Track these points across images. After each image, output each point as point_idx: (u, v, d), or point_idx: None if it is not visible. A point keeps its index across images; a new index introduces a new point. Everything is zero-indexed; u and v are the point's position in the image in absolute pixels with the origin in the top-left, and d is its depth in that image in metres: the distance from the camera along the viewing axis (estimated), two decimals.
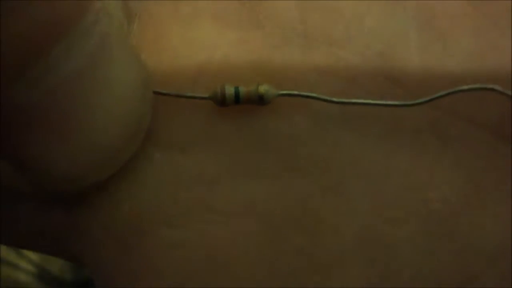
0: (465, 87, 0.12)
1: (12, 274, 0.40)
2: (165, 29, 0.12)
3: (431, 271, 0.12)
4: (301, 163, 0.12)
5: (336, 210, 0.12)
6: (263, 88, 0.12)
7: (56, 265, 0.40)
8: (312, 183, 0.12)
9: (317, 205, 0.12)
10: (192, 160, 0.12)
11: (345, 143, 0.12)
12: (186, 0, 0.13)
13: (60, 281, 0.40)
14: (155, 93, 0.11)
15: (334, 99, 0.12)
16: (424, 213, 0.12)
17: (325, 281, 0.12)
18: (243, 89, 0.12)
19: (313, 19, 0.13)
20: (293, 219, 0.12)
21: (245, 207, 0.12)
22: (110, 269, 0.12)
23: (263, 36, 0.13)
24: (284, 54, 0.12)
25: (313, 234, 0.12)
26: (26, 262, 0.40)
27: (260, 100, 0.12)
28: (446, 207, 0.12)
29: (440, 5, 0.13)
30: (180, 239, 0.12)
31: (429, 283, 0.12)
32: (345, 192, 0.12)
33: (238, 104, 0.12)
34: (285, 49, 0.12)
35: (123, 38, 0.10)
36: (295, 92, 0.12)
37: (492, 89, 0.12)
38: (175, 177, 0.12)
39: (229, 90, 0.12)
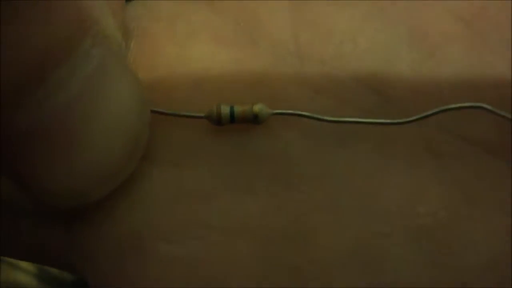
0: (453, 105, 0.12)
1: (12, 274, 0.40)
2: (161, 47, 0.13)
3: (420, 283, 0.13)
4: (295, 180, 0.13)
5: (329, 226, 0.13)
6: (257, 108, 0.12)
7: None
8: (306, 200, 0.13)
9: (310, 221, 0.13)
10: (188, 177, 0.12)
11: (337, 160, 0.13)
12: (182, 20, 0.13)
13: (60, 281, 0.40)
14: (153, 111, 0.12)
15: (327, 118, 0.12)
16: (414, 227, 0.13)
17: None
18: (238, 109, 0.12)
19: (306, 38, 0.13)
20: (287, 235, 0.12)
21: (240, 223, 0.12)
22: (109, 284, 0.12)
23: (257, 55, 0.13)
24: (277, 73, 0.13)
25: (305, 249, 0.12)
26: (25, 262, 0.40)
27: (255, 119, 0.12)
28: (436, 220, 0.13)
29: (432, 24, 0.13)
30: (177, 255, 0.12)
31: None
32: (337, 207, 0.13)
33: (233, 123, 0.12)
34: (278, 68, 0.13)
35: (121, 59, 0.11)
36: (289, 111, 0.12)
37: (481, 107, 0.12)
38: (172, 194, 0.12)
39: (225, 109, 0.12)
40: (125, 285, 0.12)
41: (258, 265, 0.12)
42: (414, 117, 0.12)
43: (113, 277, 0.12)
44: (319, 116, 0.12)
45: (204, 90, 0.13)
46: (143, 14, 0.13)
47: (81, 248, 0.12)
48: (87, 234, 0.12)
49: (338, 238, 0.13)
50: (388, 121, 0.12)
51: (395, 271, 0.13)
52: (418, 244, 0.13)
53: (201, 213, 0.12)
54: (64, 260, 0.12)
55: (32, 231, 0.12)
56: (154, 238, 0.12)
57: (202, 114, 0.12)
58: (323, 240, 0.13)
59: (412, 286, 0.12)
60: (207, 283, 0.12)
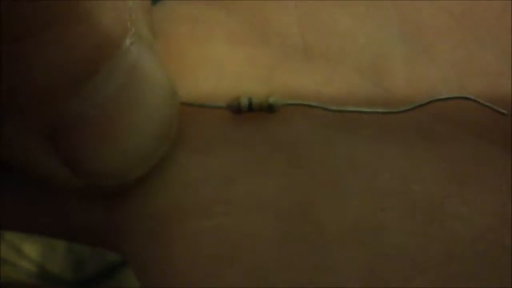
0: (444, 96, 0.14)
1: (12, 274, 0.40)
2: (185, 49, 0.14)
3: (415, 251, 0.14)
4: (304, 162, 0.14)
5: (333, 202, 0.14)
6: (272, 99, 0.14)
7: (56, 265, 0.41)
8: (314, 179, 0.14)
9: (318, 198, 0.14)
10: (212, 161, 0.14)
11: (341, 145, 0.14)
12: (201, 22, 0.15)
13: (60, 281, 0.41)
14: (181, 103, 0.13)
15: (332, 107, 0.14)
16: (409, 203, 0.14)
17: (325, 259, 0.14)
18: (255, 100, 0.14)
19: (312, 36, 0.15)
20: (297, 210, 0.14)
21: (257, 201, 0.14)
22: (143, 256, 0.14)
23: (269, 52, 0.14)
24: (287, 67, 0.14)
25: (315, 222, 0.14)
26: (26, 262, 0.40)
27: (270, 109, 0.14)
28: (429, 197, 0.14)
29: (425, 20, 0.15)
30: (205, 228, 0.14)
31: (414, 260, 0.14)
32: (341, 186, 0.14)
33: (251, 112, 0.14)
34: (288, 63, 0.14)
35: (154, 55, 0.12)
36: (299, 102, 0.14)
37: (467, 98, 0.14)
38: (198, 176, 0.14)
39: (244, 100, 0.14)
40: (156, 255, 0.13)
41: (273, 235, 0.14)
42: (407, 107, 0.14)
43: (147, 249, 0.13)
44: (325, 106, 0.14)
45: (224, 84, 0.14)
46: (165, 16, 0.15)
47: (119, 226, 0.14)
48: (125, 211, 0.13)
49: (341, 212, 0.14)
50: (386, 110, 0.14)
51: (391, 242, 0.14)
52: (413, 219, 0.14)
53: (223, 192, 0.14)
54: (104, 236, 0.14)
55: (78, 211, 0.14)
56: (183, 214, 0.13)
57: (223, 105, 0.14)
58: (328, 214, 0.14)
59: (408, 251, 0.14)
60: (231, 252, 0.14)
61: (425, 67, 0.15)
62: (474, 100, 0.14)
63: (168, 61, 0.14)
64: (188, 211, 0.14)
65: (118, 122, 0.11)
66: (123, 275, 0.39)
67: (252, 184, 0.14)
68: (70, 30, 0.10)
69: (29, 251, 0.40)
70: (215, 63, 0.14)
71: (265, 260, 0.14)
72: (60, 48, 0.10)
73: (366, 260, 0.14)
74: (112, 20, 0.10)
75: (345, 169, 0.14)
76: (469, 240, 0.14)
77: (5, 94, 0.10)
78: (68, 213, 0.14)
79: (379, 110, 0.14)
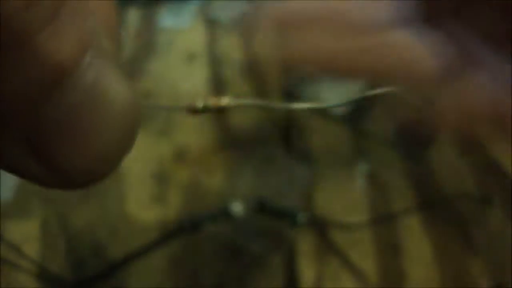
0: (372, 92, 0.16)
1: (12, 274, 0.41)
2: None
3: None
4: None
5: None
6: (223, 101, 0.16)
7: (56, 265, 0.41)
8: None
9: None
10: None
11: None
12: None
13: (60, 281, 0.41)
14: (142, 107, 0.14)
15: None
16: None
17: None
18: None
19: None
20: None
21: None
22: None
23: None
24: None
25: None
26: (26, 262, 0.40)
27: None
28: None
29: None
30: None
31: None
32: None
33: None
34: None
35: (113, 68, 0.12)
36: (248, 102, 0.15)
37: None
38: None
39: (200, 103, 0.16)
40: None
41: None
42: (339, 103, 0.16)
43: None
44: (269, 105, 0.16)
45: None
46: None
47: None
48: None
49: None
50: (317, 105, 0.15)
51: None
52: None
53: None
54: None
55: None
56: None
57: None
58: None
59: None
60: None
61: None
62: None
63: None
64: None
65: (85, 126, 0.12)
66: (123, 275, 0.39)
67: None
68: (38, 48, 0.10)
69: (29, 251, 0.41)
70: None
71: None
72: (32, 63, 0.10)
73: None
74: (72, 37, 0.11)
75: None
76: None
77: None
78: None
79: (318, 106, 0.16)
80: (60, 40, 0.11)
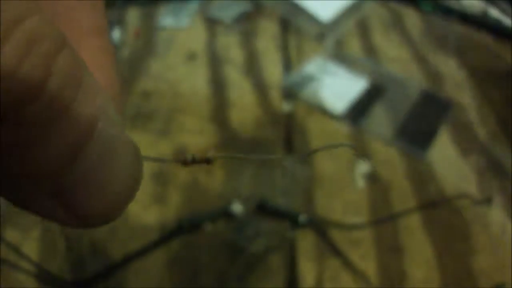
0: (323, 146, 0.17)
1: (12, 274, 0.41)
2: None
3: None
4: None
5: None
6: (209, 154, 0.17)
7: (56, 265, 0.41)
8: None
9: None
10: None
11: None
12: None
13: (60, 281, 0.41)
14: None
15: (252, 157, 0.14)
16: None
17: None
18: (197, 155, 0.17)
19: None
20: None
21: None
22: None
23: None
24: None
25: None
26: (26, 262, 0.40)
27: (208, 161, 0.17)
28: None
29: None
30: None
31: None
32: None
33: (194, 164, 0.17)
34: None
35: (120, 131, 0.14)
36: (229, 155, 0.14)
37: (342, 145, 0.16)
38: None
39: (189, 156, 0.17)
40: None
41: None
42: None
43: None
44: (247, 156, 0.18)
45: None
46: None
47: None
48: None
49: None
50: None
51: None
52: None
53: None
54: None
55: None
56: None
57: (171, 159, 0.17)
58: None
59: None
60: None
61: None
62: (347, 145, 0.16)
63: None
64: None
65: (102, 179, 0.14)
66: (123, 275, 0.39)
67: None
68: (73, 114, 0.12)
69: (29, 251, 0.41)
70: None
71: None
72: (67, 127, 0.12)
73: None
74: (87, 111, 0.13)
75: None
76: None
77: (19, 173, 0.12)
78: None
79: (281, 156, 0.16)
80: (85, 104, 0.12)
